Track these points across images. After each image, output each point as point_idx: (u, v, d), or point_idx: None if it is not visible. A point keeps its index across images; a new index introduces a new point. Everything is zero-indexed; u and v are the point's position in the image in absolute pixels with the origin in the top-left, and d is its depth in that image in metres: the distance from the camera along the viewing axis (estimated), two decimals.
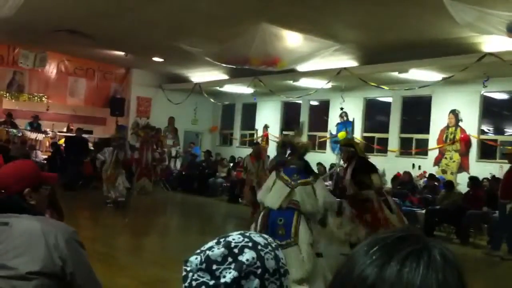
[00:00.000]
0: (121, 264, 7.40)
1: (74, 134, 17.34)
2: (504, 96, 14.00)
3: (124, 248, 8.57)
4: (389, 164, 13.28)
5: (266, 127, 19.42)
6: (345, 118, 16.76)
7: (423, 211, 11.55)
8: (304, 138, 7.38)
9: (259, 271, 1.11)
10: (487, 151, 13.69)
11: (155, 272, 6.91)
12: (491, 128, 14.37)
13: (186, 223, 12.53)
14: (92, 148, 17.18)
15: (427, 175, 13.91)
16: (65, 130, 19.01)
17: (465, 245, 10.68)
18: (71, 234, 2.44)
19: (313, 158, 16.82)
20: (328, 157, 16.74)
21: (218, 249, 1.13)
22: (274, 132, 19.04)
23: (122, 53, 16.78)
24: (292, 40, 11.88)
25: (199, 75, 18.63)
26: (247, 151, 19.37)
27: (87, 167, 16.24)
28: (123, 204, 12.60)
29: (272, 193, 6.12)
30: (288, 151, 6.83)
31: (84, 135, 17.17)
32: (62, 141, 17.81)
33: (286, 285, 1.16)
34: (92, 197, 14.47)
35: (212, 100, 19.07)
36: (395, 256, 0.75)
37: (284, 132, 18.78)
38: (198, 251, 1.15)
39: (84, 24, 12.99)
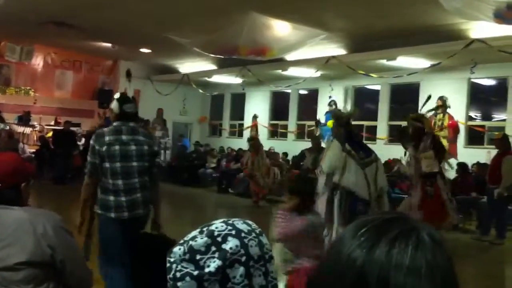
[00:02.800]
0: None
1: (62, 127, 17.21)
2: (491, 82, 14.07)
3: None
4: (379, 152, 13.26)
5: (255, 117, 19.39)
6: (334, 107, 16.76)
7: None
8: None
9: (243, 258, 1.11)
10: (475, 137, 13.78)
11: None
12: (478, 114, 14.46)
13: (176, 214, 12.51)
14: (81, 142, 17.08)
15: None
16: (52, 123, 18.87)
17: (454, 230, 10.76)
18: (59, 222, 2.43)
19: (302, 146, 16.88)
20: None
21: (201, 238, 1.12)
22: (263, 121, 19.02)
23: (109, 45, 16.65)
24: (280, 29, 11.85)
25: (188, 66, 18.55)
26: (236, 141, 19.41)
27: (75, 160, 16.14)
28: None
29: (353, 176, 5.48)
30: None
31: (72, 128, 17.05)
32: (49, 134, 17.67)
33: (272, 270, 1.16)
34: (78, 188, 14.40)
35: (200, 90, 19.00)
36: (384, 237, 0.75)
37: (272, 122, 18.82)
38: (181, 241, 1.14)
39: (71, 16, 12.87)
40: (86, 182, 4.49)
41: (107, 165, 4.29)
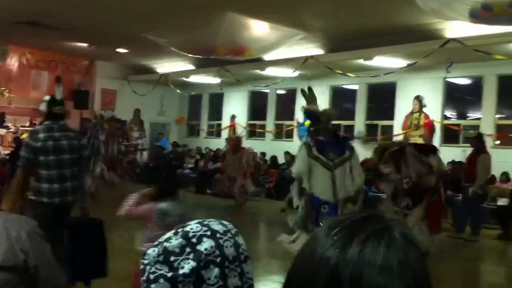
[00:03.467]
0: None
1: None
2: (466, 81, 14.27)
3: None
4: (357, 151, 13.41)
5: (233, 117, 19.38)
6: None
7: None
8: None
9: (218, 259, 1.10)
10: (451, 136, 13.96)
11: (122, 265, 6.82)
12: (454, 113, 14.65)
13: None
14: None
15: None
16: (27, 124, 18.61)
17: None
18: (33, 227, 2.39)
19: (280, 147, 16.93)
20: (296, 146, 16.78)
21: (176, 240, 1.11)
22: (242, 121, 19.02)
23: (85, 45, 16.49)
24: (258, 29, 11.86)
25: (165, 66, 18.46)
26: (214, 141, 19.37)
27: None
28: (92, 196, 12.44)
29: (317, 182, 5.67)
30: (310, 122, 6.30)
31: None
32: (24, 136, 17.42)
33: (247, 271, 1.15)
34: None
35: (178, 91, 18.92)
36: (357, 236, 0.76)
37: (250, 122, 18.82)
38: (156, 243, 1.13)
39: (46, 15, 12.70)
40: (20, 174, 5.03)
41: (41, 158, 4.96)
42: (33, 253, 2.30)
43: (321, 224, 5.81)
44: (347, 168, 5.67)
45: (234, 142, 13.51)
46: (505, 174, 11.68)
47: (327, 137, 6.01)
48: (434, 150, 7.92)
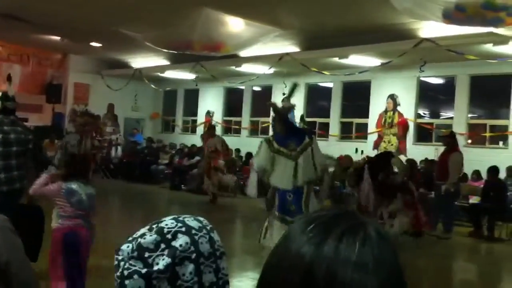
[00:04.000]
0: None
1: None
2: (439, 81, 14.46)
3: None
4: (331, 148, 13.49)
5: (208, 113, 19.32)
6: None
7: None
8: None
9: (193, 255, 1.09)
10: (424, 135, 14.15)
11: (94, 261, 6.75)
12: (427, 112, 14.85)
13: (128, 211, 12.35)
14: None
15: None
16: None
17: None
18: (4, 222, 2.35)
19: (256, 143, 16.88)
20: None
21: (151, 236, 1.09)
22: (217, 118, 18.98)
23: (58, 38, 16.23)
24: (234, 25, 11.83)
25: (140, 61, 18.29)
26: (189, 137, 19.29)
27: None
28: None
29: (278, 173, 5.93)
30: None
31: None
32: None
33: (223, 267, 1.15)
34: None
35: (153, 86, 18.78)
36: (332, 233, 0.76)
37: (226, 118, 18.79)
38: (130, 238, 1.12)
39: (18, 8, 12.47)
40: None
41: None
42: (5, 248, 2.26)
43: (288, 210, 6.11)
44: (309, 154, 5.87)
45: (211, 128, 13.38)
46: (476, 173, 11.88)
47: (285, 131, 6.21)
48: (389, 157, 8.29)
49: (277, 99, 16.94)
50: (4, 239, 2.28)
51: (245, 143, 17.43)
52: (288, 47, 13.74)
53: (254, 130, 18.14)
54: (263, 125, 17.74)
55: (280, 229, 5.98)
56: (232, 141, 17.15)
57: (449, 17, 8.50)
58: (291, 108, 6.70)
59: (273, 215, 6.22)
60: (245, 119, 18.41)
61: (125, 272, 1.07)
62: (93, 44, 16.63)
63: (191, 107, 20.35)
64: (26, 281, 2.42)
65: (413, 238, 8.39)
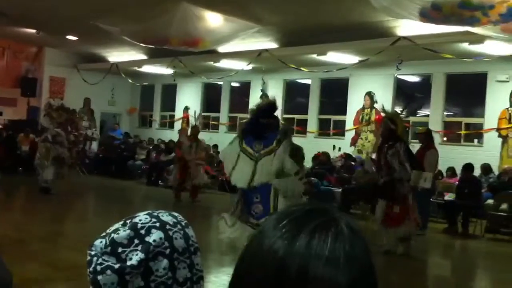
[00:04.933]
0: (34, 250, 7.12)
1: None
2: (416, 79, 14.62)
3: (38, 234, 8.23)
4: (309, 145, 13.54)
5: (186, 108, 19.24)
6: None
7: (340, 190, 11.92)
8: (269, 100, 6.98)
9: (167, 251, 1.09)
10: None
11: (71, 258, 6.68)
12: (404, 110, 14.99)
13: (104, 207, 12.22)
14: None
15: (344, 156, 14.32)
16: None
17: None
18: None
19: None
20: None
21: (124, 231, 1.09)
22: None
23: (33, 31, 16.00)
24: (213, 20, 11.79)
25: (117, 55, 18.12)
26: (167, 133, 19.19)
27: None
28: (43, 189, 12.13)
29: (238, 171, 5.94)
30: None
31: None
32: None
33: (197, 262, 1.15)
34: (3, 181, 13.81)
35: (130, 80, 18.62)
36: (304, 228, 0.76)
37: (204, 114, 18.72)
38: (103, 234, 1.11)
39: None
40: None
41: None
42: None
43: (253, 212, 6.04)
44: (271, 159, 5.84)
45: (196, 130, 13.24)
46: (451, 170, 12.04)
47: (256, 130, 6.17)
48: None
49: (255, 95, 17.02)
50: None
51: (223, 139, 17.38)
52: (267, 43, 13.75)
53: (232, 126, 18.12)
54: (241, 121, 17.72)
55: (243, 229, 5.97)
56: (210, 137, 17.14)
57: (426, 15, 8.58)
58: (270, 104, 6.57)
59: (237, 215, 6.17)
60: (223, 115, 18.38)
61: (98, 268, 1.06)
62: (69, 37, 16.44)
63: (169, 102, 20.25)
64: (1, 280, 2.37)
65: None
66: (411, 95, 15.09)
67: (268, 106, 6.54)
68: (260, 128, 6.13)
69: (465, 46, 10.97)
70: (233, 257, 7.55)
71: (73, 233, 9.04)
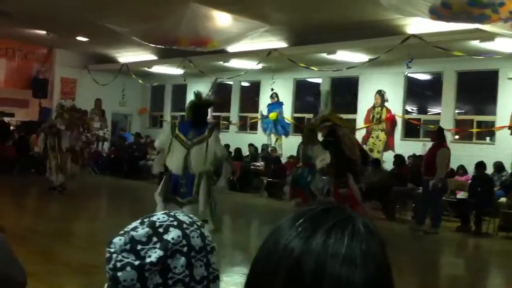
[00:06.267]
0: (47, 249, 7.17)
1: None
2: (427, 77, 14.55)
3: (51, 234, 8.29)
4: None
5: None
6: (275, 99, 16.91)
7: None
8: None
9: (185, 249, 1.10)
10: (411, 130, 14.23)
11: (85, 257, 6.74)
12: (414, 108, 14.93)
13: (116, 207, 12.29)
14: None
15: None
16: None
17: (391, 220, 11.11)
18: None
19: (244, 139, 16.94)
20: (260, 138, 16.88)
21: (143, 229, 1.10)
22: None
23: (44, 32, 16.10)
24: (222, 20, 11.80)
25: (127, 56, 18.19)
26: None
27: (9, 150, 15.58)
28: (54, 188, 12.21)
29: (171, 157, 6.32)
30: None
31: (5, 118, 16.43)
32: None
33: (213, 262, 1.16)
34: (16, 181, 13.94)
35: (140, 81, 18.69)
36: (320, 227, 0.76)
37: (215, 114, 18.74)
38: (122, 232, 1.12)
39: (2, 1, 12.33)
40: None
41: None
42: None
43: (179, 192, 6.38)
44: (204, 147, 6.20)
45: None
46: (462, 168, 11.97)
47: (194, 121, 6.57)
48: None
49: (266, 94, 17.02)
50: None
51: (233, 138, 17.43)
52: (277, 42, 13.75)
53: (243, 126, 18.13)
54: (252, 121, 17.75)
55: (169, 208, 6.31)
56: (220, 137, 17.12)
57: (436, 13, 8.54)
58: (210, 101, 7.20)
59: (164, 197, 6.59)
60: (234, 114, 18.39)
61: (118, 264, 1.07)
62: (80, 38, 16.53)
63: (179, 103, 20.28)
64: (13, 277, 2.39)
65: None
66: (421, 93, 15.02)
67: (209, 102, 7.21)
68: (200, 117, 6.55)
69: (476, 43, 10.90)
70: (245, 256, 7.58)
71: (84, 232, 9.11)
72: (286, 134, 16.57)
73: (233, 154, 16.33)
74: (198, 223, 1.17)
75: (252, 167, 15.31)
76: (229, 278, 5.89)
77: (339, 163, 8.11)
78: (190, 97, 19.48)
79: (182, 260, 1.09)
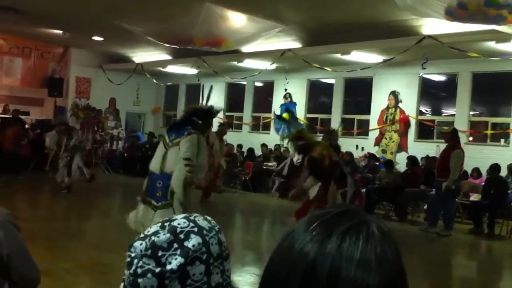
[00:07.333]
0: (60, 247, 7.23)
1: (10, 116, 16.69)
2: (441, 78, 14.44)
3: (64, 231, 8.36)
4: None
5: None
6: (289, 99, 16.89)
7: (364, 190, 11.84)
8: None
9: (204, 256, 1.11)
10: (425, 131, 14.14)
11: (96, 255, 6.79)
12: (429, 109, 14.83)
13: (129, 205, 12.31)
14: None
15: (368, 155, 14.23)
16: (0, 111, 18.29)
17: (403, 222, 11.05)
18: (5, 215, 2.36)
19: (257, 139, 16.95)
20: (272, 138, 16.88)
21: (164, 234, 1.11)
22: (219, 113, 18.93)
23: (60, 32, 16.23)
24: (236, 20, 11.82)
25: (141, 55, 18.28)
26: None
27: (24, 149, 15.70)
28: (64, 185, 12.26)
29: (155, 156, 6.47)
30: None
31: (21, 117, 16.57)
32: None
33: (227, 268, 1.18)
34: (30, 180, 14.06)
35: (154, 81, 18.77)
36: (335, 231, 0.76)
37: (228, 113, 18.79)
38: (143, 235, 1.13)
39: (19, 0, 12.45)
40: None
41: None
42: (6, 242, 2.27)
43: (155, 196, 6.38)
44: (177, 150, 6.28)
45: (224, 131, 13.25)
46: (476, 170, 11.88)
47: (178, 123, 6.74)
48: None
49: (279, 94, 17.01)
50: (6, 232, 2.29)
51: (246, 138, 17.44)
52: (290, 42, 13.73)
53: (256, 126, 18.14)
54: (265, 121, 17.75)
55: (146, 212, 6.38)
56: (233, 137, 17.18)
57: (451, 14, 8.49)
58: (210, 110, 7.31)
59: (142, 198, 6.66)
60: (247, 114, 18.40)
61: (139, 270, 1.08)
62: (95, 38, 16.63)
63: (193, 102, 20.29)
64: (27, 275, 2.43)
65: None
66: (436, 94, 14.92)
67: (207, 110, 7.23)
68: (185, 120, 6.62)
69: (492, 44, 10.81)
70: (256, 256, 7.59)
71: (97, 230, 9.16)
72: None
73: (245, 154, 16.36)
74: (216, 228, 1.18)
75: (264, 167, 15.30)
76: (240, 278, 5.90)
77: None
78: (204, 96, 19.64)
79: (202, 267, 1.10)
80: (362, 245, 0.74)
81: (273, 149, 16.26)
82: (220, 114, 18.75)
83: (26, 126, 16.79)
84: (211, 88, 7.99)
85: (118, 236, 7.26)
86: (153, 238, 1.11)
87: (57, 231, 8.36)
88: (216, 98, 19.16)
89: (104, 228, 9.34)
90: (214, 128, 14.03)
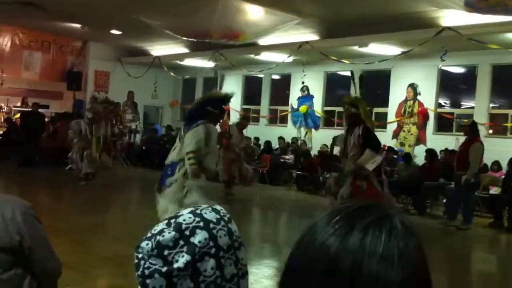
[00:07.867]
0: (81, 240, 7.31)
1: (30, 109, 16.88)
2: (460, 70, 14.27)
3: (84, 224, 8.45)
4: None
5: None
6: (306, 92, 16.84)
7: None
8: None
9: (213, 250, 1.10)
10: (444, 124, 14.00)
11: (117, 248, 6.85)
12: (448, 102, 14.67)
13: (147, 198, 12.40)
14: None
15: (386, 148, 14.13)
16: (19, 104, 18.51)
17: (422, 215, 10.98)
18: (27, 208, 2.39)
19: (274, 132, 16.94)
20: (290, 131, 16.85)
21: (169, 233, 1.10)
22: (236, 106, 18.95)
23: (78, 26, 16.35)
24: (253, 13, 11.79)
25: (159, 49, 18.34)
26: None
27: (44, 142, 15.89)
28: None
29: (173, 150, 6.70)
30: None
31: (40, 110, 16.74)
32: (17, 116, 17.32)
33: (241, 257, 1.16)
34: (50, 172, 14.22)
35: (172, 74, 18.82)
36: (357, 225, 0.76)
37: (245, 106, 18.79)
38: (149, 235, 1.12)
39: None
40: None
41: None
42: (28, 234, 2.30)
43: (166, 184, 6.59)
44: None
45: (246, 123, 13.25)
46: (496, 163, 11.74)
47: (194, 116, 6.75)
48: None
49: (296, 87, 16.96)
50: (28, 225, 2.32)
51: (263, 131, 17.43)
52: (308, 35, 13.67)
53: (273, 119, 18.11)
54: (282, 114, 17.71)
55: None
56: (251, 130, 17.16)
57: (471, 5, 8.40)
58: (225, 96, 7.37)
59: (156, 188, 6.91)
60: (264, 107, 18.39)
61: (146, 272, 1.08)
62: (113, 31, 16.71)
63: None
64: (49, 267, 2.46)
65: None
66: (455, 87, 14.75)
67: (221, 97, 7.33)
68: (198, 115, 6.65)
69: None
70: (273, 249, 7.61)
71: (116, 222, 9.25)
72: (316, 128, 16.51)
73: (262, 147, 16.36)
74: (226, 218, 1.16)
75: (281, 160, 15.29)
76: (258, 271, 5.92)
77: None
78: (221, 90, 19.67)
79: (212, 262, 1.09)
80: (385, 240, 0.73)
81: (290, 142, 16.24)
82: (238, 107, 18.88)
83: (46, 119, 16.96)
84: (222, 77, 8.02)
85: (137, 229, 7.30)
86: (158, 237, 1.10)
87: (77, 223, 8.45)
88: (233, 91, 19.22)
89: (124, 221, 9.42)
90: (235, 121, 14.18)
